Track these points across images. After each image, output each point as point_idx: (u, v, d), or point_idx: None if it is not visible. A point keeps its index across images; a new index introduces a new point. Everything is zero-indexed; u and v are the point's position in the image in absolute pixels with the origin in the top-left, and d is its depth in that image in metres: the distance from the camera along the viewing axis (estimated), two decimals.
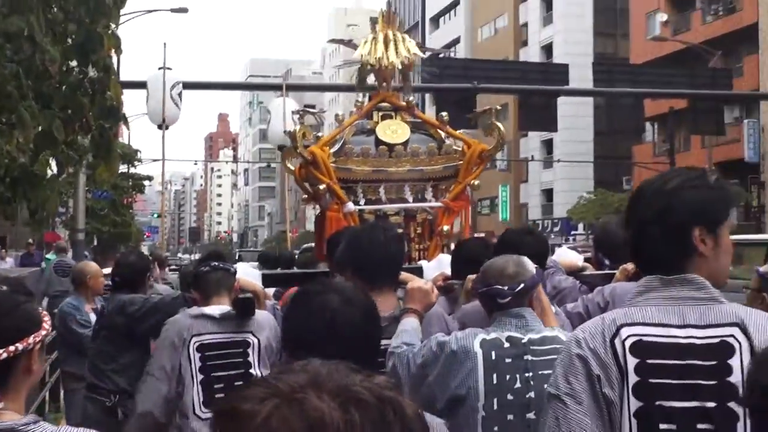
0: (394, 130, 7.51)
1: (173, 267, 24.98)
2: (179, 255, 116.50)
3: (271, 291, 6.00)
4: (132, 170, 44.79)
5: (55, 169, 5.68)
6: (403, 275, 4.34)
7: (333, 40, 39.09)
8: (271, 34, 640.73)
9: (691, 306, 2.48)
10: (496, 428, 3.46)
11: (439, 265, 5.57)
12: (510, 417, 3.45)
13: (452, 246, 6.80)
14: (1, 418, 2.53)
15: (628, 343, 2.44)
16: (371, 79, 7.95)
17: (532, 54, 70.45)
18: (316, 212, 7.99)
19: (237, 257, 62.48)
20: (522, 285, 3.63)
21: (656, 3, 58.25)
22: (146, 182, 49.37)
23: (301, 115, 8.30)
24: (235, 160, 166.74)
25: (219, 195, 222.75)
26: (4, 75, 4.86)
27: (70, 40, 5.23)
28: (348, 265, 4.23)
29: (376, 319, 2.84)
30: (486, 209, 78.79)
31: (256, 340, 4.87)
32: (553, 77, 33.85)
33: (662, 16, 55.36)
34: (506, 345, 3.55)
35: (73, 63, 5.32)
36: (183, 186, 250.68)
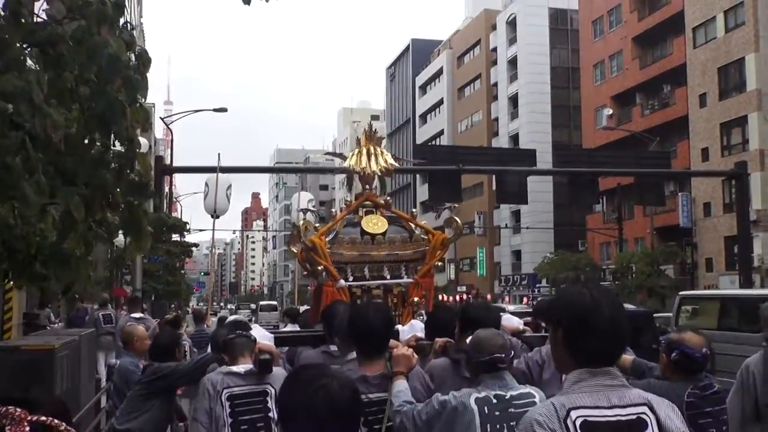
0: (375, 223, 7.85)
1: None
2: (221, 306, 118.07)
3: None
4: (182, 238, 44.06)
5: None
6: (390, 342, 4.50)
7: (328, 153, 40.49)
8: (293, 127, 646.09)
9: (613, 391, 2.63)
10: None
11: (412, 329, 5.75)
12: None
13: (421, 313, 7.45)
14: None
15: (578, 423, 2.55)
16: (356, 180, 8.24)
17: (502, 142, 70.95)
18: (313, 287, 8.34)
19: (257, 307, 67.56)
20: (513, 353, 4.04)
21: (603, 100, 58.38)
22: (193, 248, 48.67)
23: (304, 212, 8.97)
24: (265, 229, 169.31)
25: (253, 257, 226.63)
26: (5, 145, 3.50)
27: (85, 109, 3.97)
28: (351, 338, 4.48)
29: (359, 400, 2.70)
30: (467, 266, 78.62)
31: (273, 390, 4.94)
32: (523, 160, 33.74)
33: (608, 110, 55.32)
34: (494, 401, 3.72)
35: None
36: (224, 249, 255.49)
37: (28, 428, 2.39)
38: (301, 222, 7.76)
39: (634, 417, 2.58)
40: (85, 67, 3.72)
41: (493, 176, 65.70)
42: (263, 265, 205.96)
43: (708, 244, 46.26)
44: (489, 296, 71.72)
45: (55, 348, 6.24)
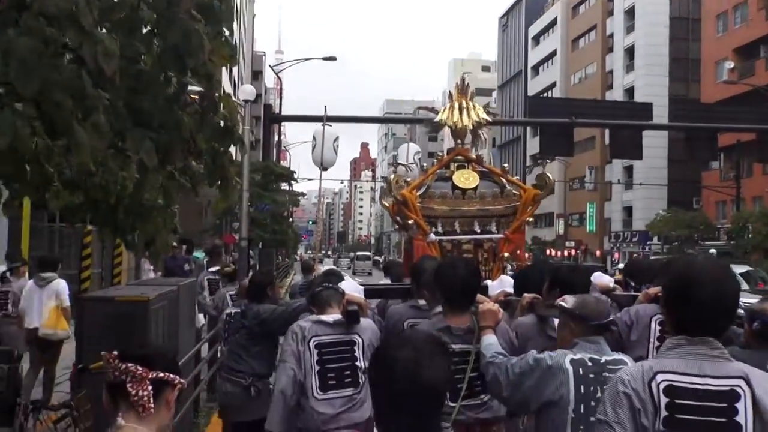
0: (466, 178, 7.88)
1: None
2: (329, 254, 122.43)
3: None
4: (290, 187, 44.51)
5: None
6: (478, 297, 4.57)
7: (420, 108, 40.03)
8: (403, 78, 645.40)
9: (709, 362, 2.63)
10: (581, 427, 3.58)
11: (501, 284, 5.75)
12: (592, 419, 3.36)
13: (509, 268, 7.46)
14: None
15: (662, 386, 2.60)
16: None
17: (616, 95, 68.93)
18: (405, 239, 8.48)
19: (355, 257, 70.67)
20: (611, 318, 3.95)
21: (725, 52, 56.04)
22: (301, 197, 49.16)
23: (395, 166, 9.06)
24: (374, 179, 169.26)
25: (360, 207, 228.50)
26: (54, 80, 3.06)
27: (154, 40, 3.55)
28: (436, 289, 4.59)
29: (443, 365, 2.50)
30: (576, 222, 77.44)
31: (360, 340, 5.05)
32: (638, 113, 32.75)
33: (729, 64, 53.04)
34: (589, 364, 3.68)
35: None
36: (332, 199, 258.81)
37: (150, 387, 2.52)
38: (392, 176, 7.91)
39: (727, 388, 2.60)
40: None
41: (606, 130, 64.86)
42: (371, 215, 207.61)
43: None
44: (598, 252, 70.65)
45: (149, 300, 6.17)
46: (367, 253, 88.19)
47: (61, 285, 10.41)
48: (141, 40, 3.76)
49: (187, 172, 4.21)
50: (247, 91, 21.51)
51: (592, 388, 3.64)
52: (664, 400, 2.59)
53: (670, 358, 2.67)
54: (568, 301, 3.96)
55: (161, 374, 2.56)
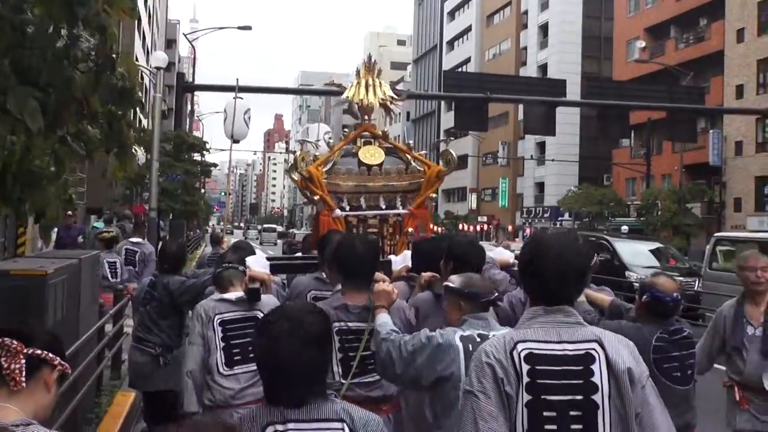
0: (372, 154, 7.95)
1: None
2: (240, 225, 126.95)
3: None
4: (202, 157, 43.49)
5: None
6: (376, 275, 4.64)
7: (327, 84, 39.85)
8: (319, 50, 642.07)
9: (565, 328, 2.80)
10: None
11: (404, 259, 5.83)
12: None
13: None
14: None
15: (522, 355, 2.73)
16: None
17: (530, 71, 69.18)
18: (313, 214, 8.62)
19: (262, 229, 73.52)
20: (496, 294, 4.02)
21: (636, 32, 56.92)
22: (213, 168, 48.16)
23: (301, 143, 9.09)
24: (287, 151, 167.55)
25: (274, 179, 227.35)
26: None
27: None
28: (335, 267, 4.65)
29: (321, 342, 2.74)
30: (488, 197, 77.94)
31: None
32: (552, 90, 32.95)
33: (641, 43, 53.92)
34: (478, 340, 3.70)
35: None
36: (245, 170, 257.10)
37: (24, 361, 2.44)
38: (298, 152, 8.01)
39: (582, 352, 2.75)
40: None
41: (518, 106, 65.58)
42: (284, 187, 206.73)
43: (737, 184, 45.35)
44: (510, 227, 71.32)
45: (47, 274, 5.66)
46: (273, 226, 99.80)
47: None
48: None
49: (81, 138, 3.67)
50: (159, 58, 20.79)
51: None
52: (525, 367, 2.72)
53: (528, 328, 2.82)
54: (454, 281, 4.05)
55: (38, 351, 2.49)
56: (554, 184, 65.43)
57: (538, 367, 2.72)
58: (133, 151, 3.68)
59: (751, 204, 44.20)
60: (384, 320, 4.17)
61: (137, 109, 3.86)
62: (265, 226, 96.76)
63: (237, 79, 20.94)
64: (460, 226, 69.33)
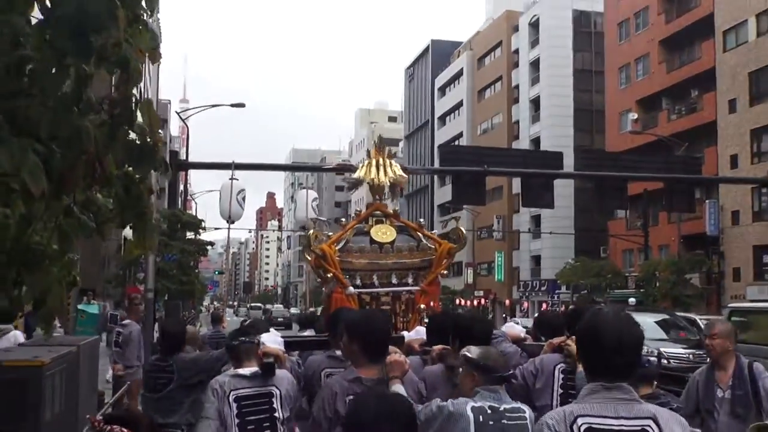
0: (384, 232, 8.04)
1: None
2: (235, 304, 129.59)
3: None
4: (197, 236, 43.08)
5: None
6: (389, 348, 4.63)
7: (339, 165, 41.26)
8: (310, 127, 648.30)
9: (622, 404, 2.91)
10: None
11: (417, 334, 6.06)
12: None
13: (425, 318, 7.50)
14: None
15: (582, 428, 2.84)
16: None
17: (522, 145, 69.59)
18: (326, 292, 8.49)
19: (249, 308, 77.76)
20: (510, 372, 4.40)
21: (628, 104, 57.34)
22: (209, 247, 47.67)
23: (314, 222, 9.30)
24: (280, 229, 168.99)
25: (267, 256, 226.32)
26: None
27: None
28: (353, 342, 4.60)
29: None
30: (485, 271, 77.59)
31: (278, 391, 5.16)
32: (549, 163, 32.64)
33: (633, 115, 54.35)
34: (489, 411, 3.90)
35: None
36: (238, 249, 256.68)
37: None
38: (311, 231, 8.07)
39: (639, 428, 2.86)
40: None
41: (512, 180, 65.83)
42: (277, 265, 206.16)
43: (735, 253, 45.15)
44: (507, 302, 70.83)
45: (44, 364, 5.23)
46: (259, 304, 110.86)
47: None
48: (23, 13, 2.64)
49: (90, 207, 3.08)
50: None
51: None
52: None
53: (588, 403, 2.93)
54: (472, 351, 4.16)
55: None
56: (550, 257, 65.17)
57: None
58: (155, 222, 3.17)
59: (750, 273, 43.92)
60: (399, 390, 4.21)
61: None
62: (252, 305, 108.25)
63: (233, 161, 21.09)
64: (457, 302, 68.74)
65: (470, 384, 4.06)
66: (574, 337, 4.86)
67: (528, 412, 4.04)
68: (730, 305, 19.30)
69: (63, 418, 5.97)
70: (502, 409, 3.94)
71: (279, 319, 60.47)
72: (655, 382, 5.35)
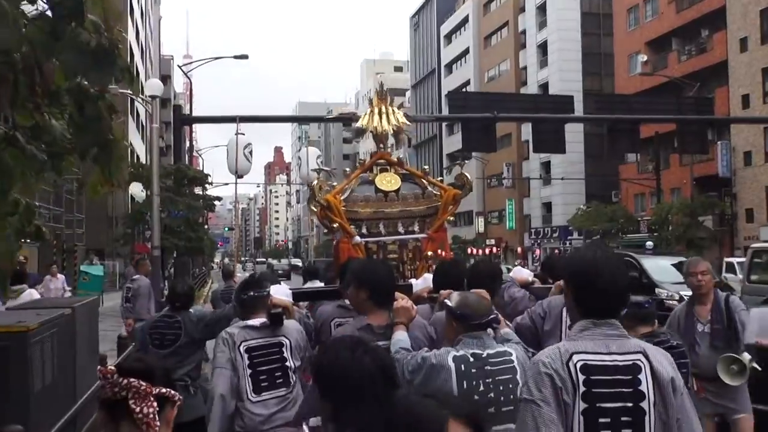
0: (388, 181, 8.05)
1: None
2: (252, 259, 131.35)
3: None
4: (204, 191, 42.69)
5: None
6: (396, 295, 4.65)
7: (342, 114, 41.38)
8: (315, 80, 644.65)
9: (613, 340, 2.99)
10: None
11: (425, 282, 5.96)
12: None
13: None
14: None
15: (578, 365, 2.91)
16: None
17: (531, 91, 68.53)
18: (334, 243, 8.60)
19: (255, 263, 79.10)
20: (492, 317, 4.12)
21: (637, 46, 56.44)
22: (216, 202, 47.26)
23: (318, 171, 9.12)
24: (289, 183, 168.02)
25: (276, 211, 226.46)
26: None
27: None
28: (360, 289, 4.59)
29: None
30: (495, 220, 77.23)
31: (288, 341, 5.20)
32: (559, 107, 32.28)
33: (642, 57, 53.52)
34: (471, 359, 3.91)
35: None
36: (248, 204, 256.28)
37: (155, 404, 2.41)
38: (315, 182, 8.07)
39: (630, 363, 2.95)
40: None
41: (521, 126, 65.24)
42: (287, 219, 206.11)
43: (748, 195, 44.81)
44: (519, 249, 70.48)
45: (29, 330, 4.86)
46: (263, 259, 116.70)
47: None
48: None
49: (41, 136, 2.41)
50: (154, 86, 20.03)
51: (474, 383, 3.90)
52: (581, 377, 2.90)
53: (581, 340, 2.99)
54: (452, 299, 4.15)
55: (164, 390, 2.47)
56: (561, 204, 64.86)
57: (592, 377, 2.90)
58: (124, 149, 2.56)
59: (764, 214, 43.62)
60: (399, 337, 4.29)
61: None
62: (258, 260, 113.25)
63: (238, 117, 21.00)
64: (469, 250, 68.51)
65: (452, 333, 4.10)
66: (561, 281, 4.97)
67: (515, 354, 4.07)
68: (753, 245, 18.78)
69: (57, 388, 5.64)
70: (485, 355, 3.97)
71: (279, 272, 61.83)
72: (656, 321, 5.46)
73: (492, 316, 4.12)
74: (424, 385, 3.88)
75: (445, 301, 4.19)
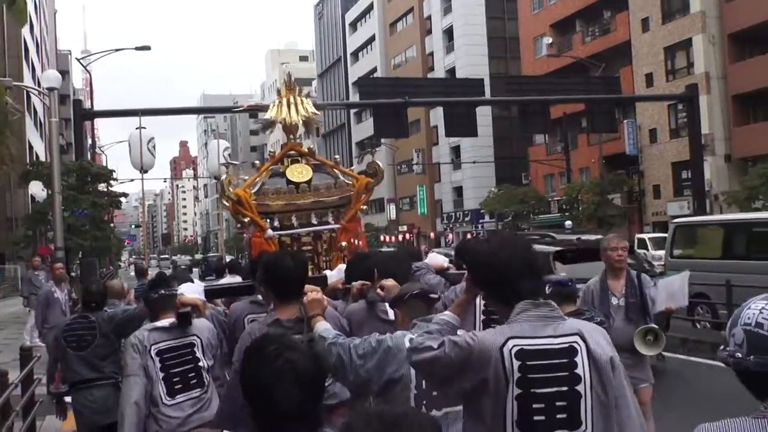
0: (300, 172, 7.98)
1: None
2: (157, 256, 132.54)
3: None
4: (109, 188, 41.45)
5: None
6: (306, 287, 4.53)
7: (249, 106, 41.21)
8: (220, 71, 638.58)
9: (549, 322, 2.96)
10: (424, 402, 3.77)
11: (339, 273, 6.00)
12: (434, 393, 3.76)
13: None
14: None
15: (514, 351, 2.88)
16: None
17: (438, 76, 68.58)
18: (246, 238, 8.50)
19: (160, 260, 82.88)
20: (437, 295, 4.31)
21: (542, 28, 57.16)
22: (122, 198, 46.01)
23: (226, 166, 9.42)
24: (196, 177, 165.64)
25: (184, 207, 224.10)
26: None
27: None
28: (265, 284, 4.64)
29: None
30: (407, 206, 77.48)
31: (199, 340, 5.17)
32: (470, 90, 32.54)
33: (548, 39, 54.13)
34: None
35: None
36: (154, 201, 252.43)
37: None
38: (225, 176, 8.07)
39: (567, 345, 2.93)
40: None
41: (429, 112, 65.64)
42: (195, 214, 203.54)
43: (655, 171, 45.79)
44: (432, 234, 70.81)
45: None
46: (166, 256, 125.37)
47: None
48: None
49: None
50: (51, 77, 19.13)
51: None
52: (516, 363, 2.87)
53: (518, 323, 2.95)
54: (386, 289, 4.40)
55: None
56: (472, 188, 65.34)
57: (528, 363, 2.86)
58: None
59: (670, 190, 44.63)
60: (326, 326, 4.16)
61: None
62: (162, 257, 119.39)
63: (140, 110, 20.62)
64: (382, 238, 68.54)
65: (406, 318, 4.07)
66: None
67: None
68: (675, 221, 19.01)
69: None
70: None
71: (182, 267, 61.26)
72: (578, 299, 5.64)
73: (437, 295, 4.23)
74: (378, 368, 3.81)
75: (379, 291, 4.33)
